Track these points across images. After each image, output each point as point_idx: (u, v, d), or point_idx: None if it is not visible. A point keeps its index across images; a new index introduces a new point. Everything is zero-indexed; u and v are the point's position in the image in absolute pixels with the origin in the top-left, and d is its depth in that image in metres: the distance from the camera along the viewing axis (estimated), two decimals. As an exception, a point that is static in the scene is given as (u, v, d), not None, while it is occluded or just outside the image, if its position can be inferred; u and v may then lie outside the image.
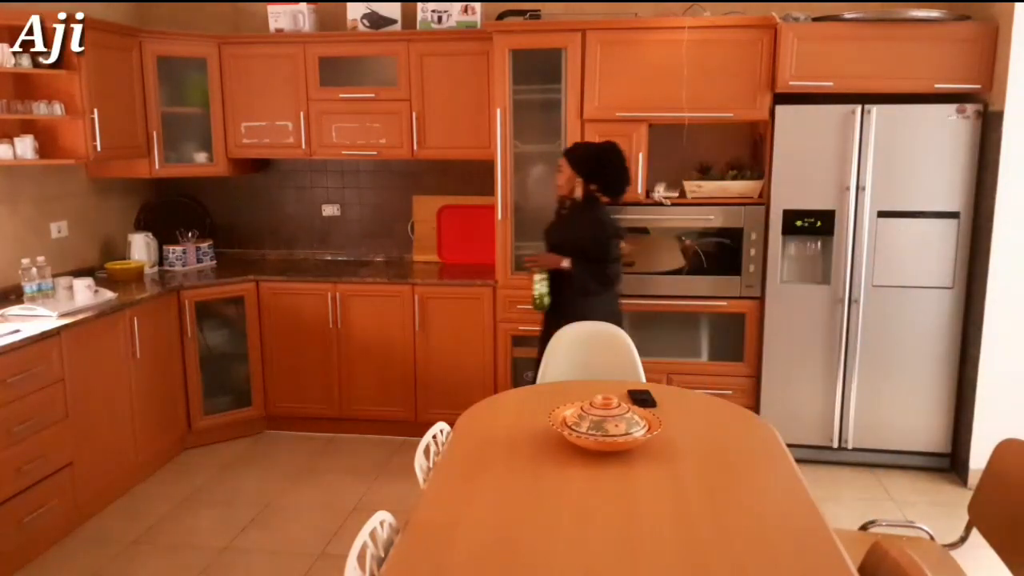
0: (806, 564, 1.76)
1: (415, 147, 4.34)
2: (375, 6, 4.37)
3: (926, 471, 3.95)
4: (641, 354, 3.12)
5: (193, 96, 4.46)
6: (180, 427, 4.21)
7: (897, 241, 3.79)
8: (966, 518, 2.39)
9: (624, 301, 4.06)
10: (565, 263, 3.46)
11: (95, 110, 3.79)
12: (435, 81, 4.25)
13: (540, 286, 3.52)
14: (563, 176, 3.52)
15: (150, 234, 4.56)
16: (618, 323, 3.37)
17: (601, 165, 3.49)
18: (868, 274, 3.83)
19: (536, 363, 3.28)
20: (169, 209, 4.78)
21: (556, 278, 3.51)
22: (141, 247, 4.48)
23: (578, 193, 3.50)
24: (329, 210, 4.86)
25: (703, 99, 3.85)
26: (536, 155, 4.18)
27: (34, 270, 3.56)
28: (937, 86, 3.68)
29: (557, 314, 3.48)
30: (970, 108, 3.64)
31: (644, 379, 3.07)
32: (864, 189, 3.77)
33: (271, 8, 4.40)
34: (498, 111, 4.01)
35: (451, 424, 2.56)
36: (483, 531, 1.90)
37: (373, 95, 4.33)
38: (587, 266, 3.45)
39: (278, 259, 4.88)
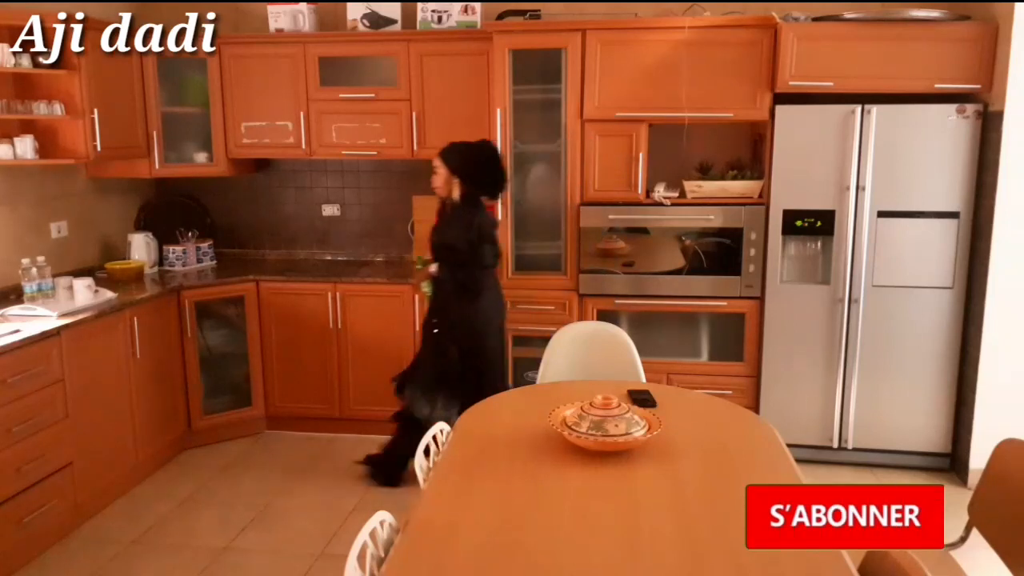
0: (806, 564, 1.76)
1: (415, 147, 4.34)
2: (375, 6, 4.37)
3: (926, 471, 3.95)
4: (641, 354, 3.12)
5: (193, 96, 4.46)
6: (180, 427, 4.21)
7: (897, 241, 3.79)
8: (966, 518, 2.39)
9: (624, 301, 4.08)
10: (433, 268, 3.60)
11: (95, 110, 3.79)
12: (435, 81, 4.25)
13: (427, 289, 3.70)
14: (439, 178, 3.55)
15: (150, 234, 4.56)
16: (491, 327, 3.62)
17: (474, 164, 3.52)
18: (868, 274, 3.83)
19: (413, 362, 3.66)
20: (169, 209, 4.78)
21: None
22: (141, 247, 4.48)
23: (456, 194, 3.53)
24: (329, 210, 4.86)
25: (703, 99, 3.85)
26: (536, 155, 4.18)
27: (34, 270, 3.56)
28: (937, 86, 3.68)
29: (432, 313, 3.65)
30: (970, 108, 3.64)
31: (644, 379, 3.07)
32: (864, 189, 3.77)
33: (271, 8, 4.40)
34: (498, 111, 4.01)
35: (451, 424, 2.56)
36: (483, 531, 1.90)
37: (373, 95, 4.33)
38: (454, 272, 3.54)
39: (278, 259, 4.88)
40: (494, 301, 3.67)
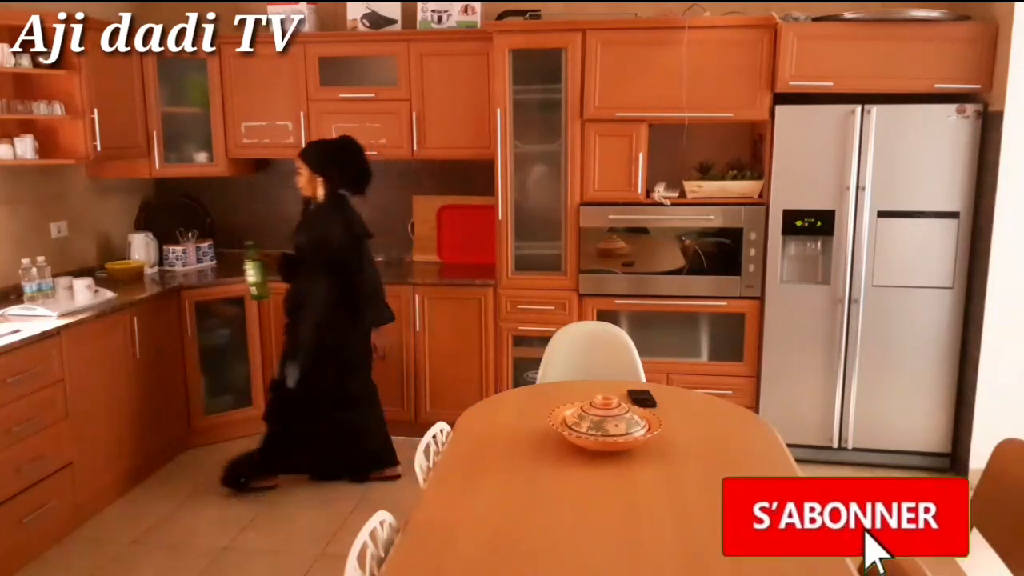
0: (806, 564, 1.76)
1: (415, 147, 4.34)
2: (375, 6, 4.37)
3: (926, 471, 3.95)
4: (641, 354, 3.12)
5: (193, 96, 4.46)
6: (180, 427, 4.20)
7: (897, 241, 3.79)
8: (966, 518, 2.39)
9: (624, 301, 4.08)
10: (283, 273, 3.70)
11: (95, 110, 3.79)
12: (435, 81, 4.25)
13: (251, 274, 3.69)
14: (302, 178, 3.54)
15: (150, 234, 4.55)
16: (350, 372, 3.67)
17: (335, 161, 3.51)
18: (868, 274, 3.83)
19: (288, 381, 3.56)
20: (169, 209, 4.78)
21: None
22: (141, 247, 4.48)
23: (320, 193, 3.52)
24: (329, 210, 4.85)
25: (703, 99, 3.85)
26: (536, 155, 4.18)
27: (34, 270, 3.56)
28: (937, 86, 3.68)
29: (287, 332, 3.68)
30: (970, 108, 3.64)
31: (644, 379, 3.07)
32: (864, 189, 3.77)
33: (271, 8, 4.40)
34: (498, 111, 4.01)
35: (451, 424, 2.56)
36: (483, 531, 1.90)
37: (373, 95, 4.33)
38: (302, 282, 3.59)
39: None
40: (360, 337, 3.69)
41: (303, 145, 4.39)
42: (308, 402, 3.61)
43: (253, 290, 3.74)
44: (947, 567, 2.28)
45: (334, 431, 3.72)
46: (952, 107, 3.65)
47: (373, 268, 3.70)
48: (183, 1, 4.66)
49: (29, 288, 3.55)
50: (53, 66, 3.62)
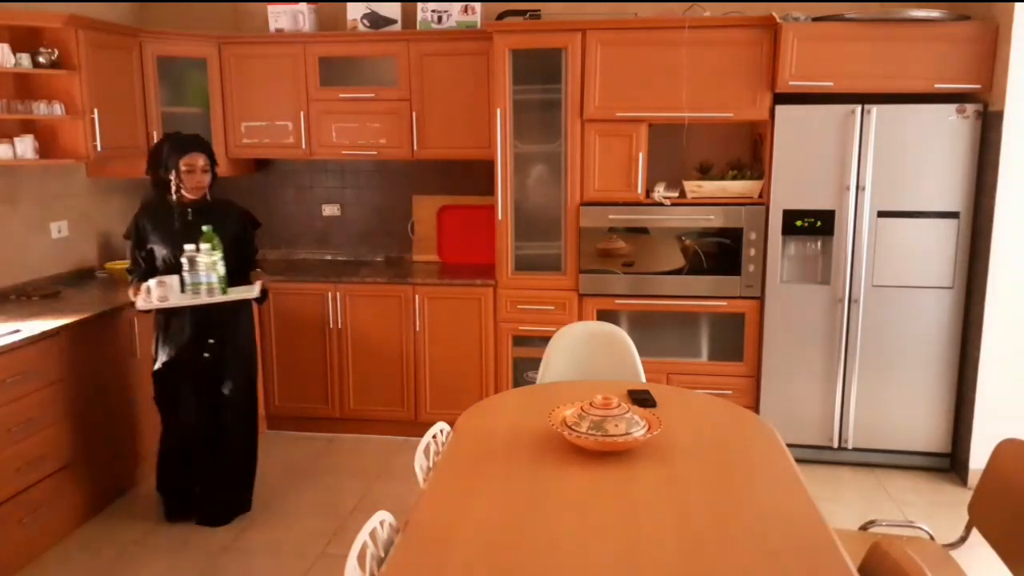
0: (806, 564, 1.76)
1: (415, 147, 4.34)
2: (375, 6, 4.37)
3: (926, 471, 3.95)
4: (641, 354, 3.12)
5: (193, 96, 4.46)
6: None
7: (897, 241, 3.79)
8: (966, 518, 2.39)
9: (624, 301, 4.08)
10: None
11: (95, 110, 3.79)
12: (435, 81, 4.25)
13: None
14: (208, 176, 3.34)
15: (150, 234, 4.55)
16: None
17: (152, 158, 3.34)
18: (868, 274, 3.83)
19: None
20: (169, 209, 4.77)
21: None
22: (141, 247, 4.47)
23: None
24: (329, 210, 4.86)
25: (703, 99, 3.85)
26: (536, 155, 4.18)
27: None
28: (937, 86, 3.68)
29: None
30: (970, 108, 3.64)
31: (644, 379, 3.07)
32: (864, 189, 3.77)
33: (271, 8, 4.40)
34: (498, 111, 4.01)
35: (451, 424, 2.56)
36: (483, 531, 1.90)
37: (373, 95, 4.33)
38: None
39: (278, 259, 4.88)
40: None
41: (303, 145, 4.41)
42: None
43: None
44: (947, 567, 2.28)
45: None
46: (952, 107, 3.65)
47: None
48: (183, 1, 4.68)
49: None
50: (53, 66, 3.62)
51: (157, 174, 3.29)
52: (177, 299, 3.20)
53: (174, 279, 3.19)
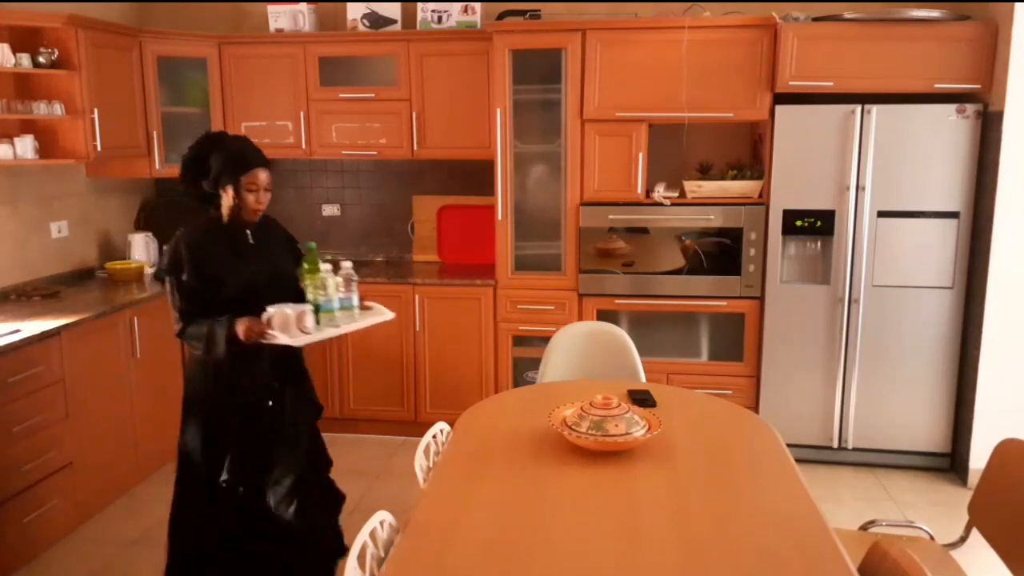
0: (806, 564, 1.76)
1: (415, 147, 4.34)
2: (375, 6, 4.37)
3: (926, 471, 3.95)
4: (641, 354, 3.12)
5: (193, 96, 4.46)
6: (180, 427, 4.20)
7: (897, 241, 3.79)
8: (966, 518, 2.39)
9: (624, 301, 4.08)
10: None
11: (95, 110, 3.79)
12: (435, 81, 4.25)
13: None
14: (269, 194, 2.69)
15: (150, 234, 4.55)
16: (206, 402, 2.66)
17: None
18: (868, 274, 3.83)
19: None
20: (169, 209, 4.78)
21: None
22: (141, 247, 4.48)
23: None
24: (329, 210, 4.86)
25: (703, 99, 3.85)
26: (536, 155, 4.18)
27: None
28: (937, 86, 3.68)
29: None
30: (970, 108, 3.64)
31: (644, 379, 3.07)
32: (864, 189, 3.77)
33: (271, 8, 4.40)
34: (498, 111, 4.01)
35: (451, 424, 2.56)
36: (483, 531, 1.90)
37: (373, 95, 4.33)
38: None
39: (278, 259, 4.87)
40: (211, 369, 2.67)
41: (303, 145, 4.41)
42: None
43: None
44: (947, 567, 2.28)
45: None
46: (952, 107, 3.65)
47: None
48: (183, 1, 4.68)
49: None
50: (53, 66, 3.62)
51: (200, 187, 2.64)
52: (317, 329, 2.54)
53: (284, 308, 2.50)
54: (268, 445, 2.67)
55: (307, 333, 2.49)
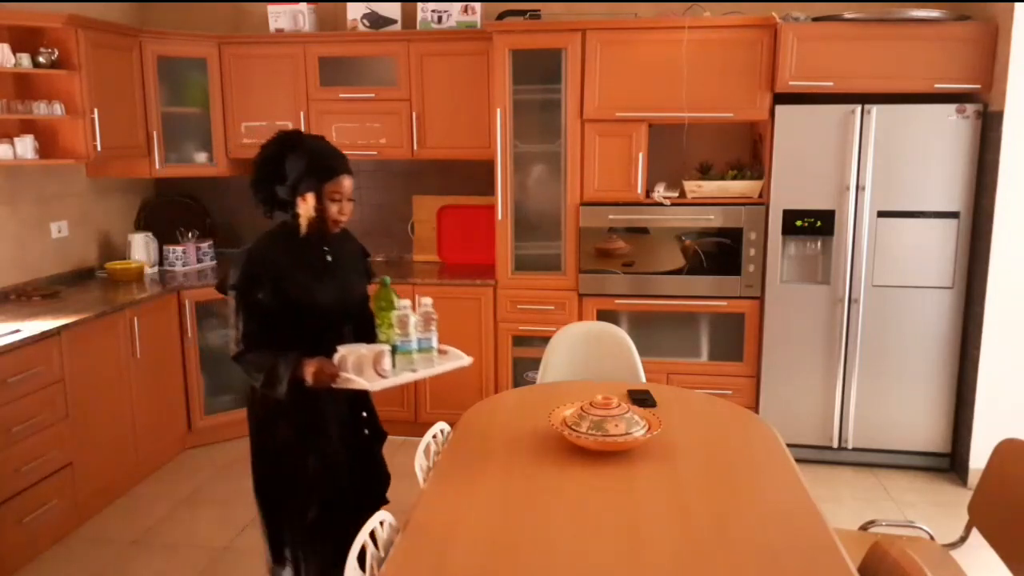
0: (806, 564, 1.76)
1: (415, 147, 4.34)
2: (375, 6, 4.37)
3: (926, 471, 3.95)
4: (641, 354, 3.12)
5: (193, 96, 4.46)
6: (180, 427, 4.20)
7: (897, 241, 3.79)
8: (966, 518, 2.39)
9: (624, 301, 4.08)
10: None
11: (95, 110, 3.80)
12: (435, 81, 4.25)
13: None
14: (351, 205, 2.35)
15: (150, 234, 4.55)
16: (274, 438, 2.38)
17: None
18: (868, 274, 3.83)
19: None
20: (169, 209, 4.78)
21: None
22: (141, 247, 4.47)
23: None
24: (329, 210, 4.85)
25: (703, 99, 3.85)
26: (536, 155, 4.18)
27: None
28: (937, 86, 3.68)
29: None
30: (970, 108, 3.64)
31: (644, 379, 3.07)
32: (864, 189, 3.77)
33: (271, 8, 4.40)
34: (498, 111, 4.01)
35: (451, 424, 2.56)
36: (483, 531, 1.90)
37: (373, 95, 4.33)
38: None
39: (278, 259, 4.87)
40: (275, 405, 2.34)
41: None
42: None
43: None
44: (947, 567, 2.28)
45: None
46: (952, 107, 3.65)
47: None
48: (183, 1, 4.68)
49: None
50: (53, 66, 3.62)
51: (274, 193, 2.31)
52: (393, 372, 2.28)
53: (359, 348, 2.28)
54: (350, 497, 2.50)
55: (383, 377, 2.22)
